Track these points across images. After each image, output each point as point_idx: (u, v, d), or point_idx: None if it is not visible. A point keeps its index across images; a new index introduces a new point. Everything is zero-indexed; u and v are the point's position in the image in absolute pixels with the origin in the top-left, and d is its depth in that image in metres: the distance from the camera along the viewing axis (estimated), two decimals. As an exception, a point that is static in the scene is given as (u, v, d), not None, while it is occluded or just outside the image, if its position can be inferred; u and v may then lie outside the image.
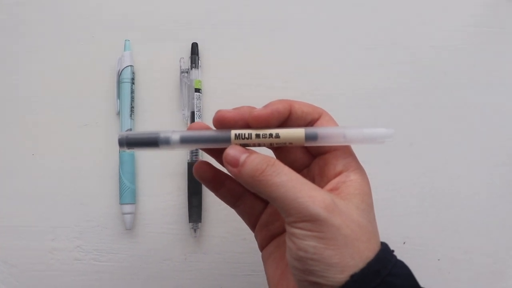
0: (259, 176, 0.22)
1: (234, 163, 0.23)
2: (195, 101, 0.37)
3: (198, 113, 0.37)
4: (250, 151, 0.23)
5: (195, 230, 0.37)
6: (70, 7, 0.39)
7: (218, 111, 0.24)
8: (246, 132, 0.24)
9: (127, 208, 0.37)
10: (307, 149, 0.26)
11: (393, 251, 0.23)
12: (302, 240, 0.21)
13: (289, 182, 0.21)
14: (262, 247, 0.28)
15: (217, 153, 0.27)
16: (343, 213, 0.21)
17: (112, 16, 0.39)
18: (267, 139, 0.24)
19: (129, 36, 0.39)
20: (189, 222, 0.37)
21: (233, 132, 0.24)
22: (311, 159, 0.26)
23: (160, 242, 0.37)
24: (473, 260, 0.38)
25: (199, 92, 0.38)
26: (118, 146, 0.25)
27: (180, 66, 0.38)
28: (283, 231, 0.27)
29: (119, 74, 0.38)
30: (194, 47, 0.39)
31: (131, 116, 0.38)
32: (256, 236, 0.29)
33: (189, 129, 0.25)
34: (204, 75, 0.39)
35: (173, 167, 0.38)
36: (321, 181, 0.25)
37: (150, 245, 0.37)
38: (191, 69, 0.38)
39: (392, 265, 0.22)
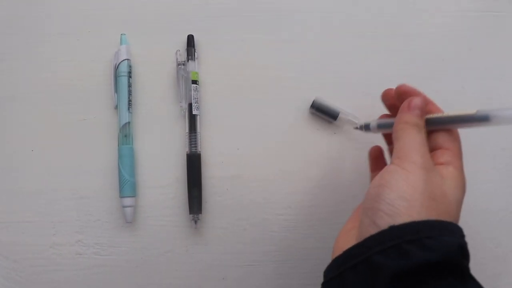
0: (408, 124, 0.27)
1: (411, 108, 0.28)
2: (192, 92, 0.37)
3: (195, 104, 0.37)
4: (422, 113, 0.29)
5: (195, 222, 0.37)
6: (66, 3, 0.40)
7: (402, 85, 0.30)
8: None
9: (127, 201, 0.37)
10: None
11: (464, 235, 0.24)
12: (389, 172, 0.25)
13: (420, 140, 0.27)
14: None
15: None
16: (436, 178, 0.25)
17: (108, 10, 0.39)
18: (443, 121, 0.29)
19: (125, 30, 0.39)
20: (190, 213, 0.37)
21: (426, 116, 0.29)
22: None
23: (161, 235, 0.37)
24: (476, 245, 0.38)
25: (196, 83, 0.38)
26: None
27: (177, 59, 0.38)
28: None
29: (116, 68, 0.38)
30: (190, 39, 0.39)
31: (129, 109, 0.38)
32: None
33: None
34: (200, 67, 0.39)
35: (172, 159, 0.38)
36: None
37: (151, 238, 0.37)
38: (188, 61, 0.38)
39: (447, 232, 0.23)
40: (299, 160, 0.38)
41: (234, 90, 0.39)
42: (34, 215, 0.37)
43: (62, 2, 0.40)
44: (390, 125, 0.30)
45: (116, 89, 0.38)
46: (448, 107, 0.39)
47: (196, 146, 0.37)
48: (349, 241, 0.26)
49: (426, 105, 0.30)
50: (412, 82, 0.39)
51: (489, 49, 0.40)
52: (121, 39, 0.39)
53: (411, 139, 0.27)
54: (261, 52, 0.39)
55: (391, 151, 0.34)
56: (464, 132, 0.40)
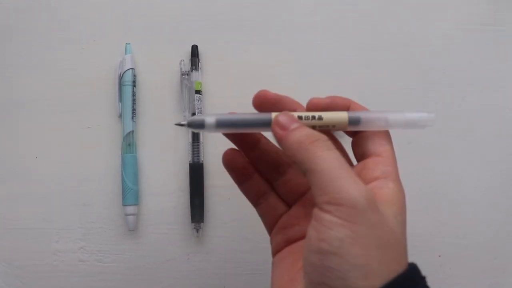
0: (308, 144, 0.21)
1: (284, 127, 0.22)
2: (195, 102, 0.38)
3: (199, 114, 0.38)
4: (301, 122, 0.23)
5: (197, 230, 0.37)
6: (71, 11, 0.40)
7: (260, 90, 0.25)
8: (288, 113, 0.23)
9: (130, 209, 0.37)
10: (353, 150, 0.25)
11: (424, 277, 0.21)
12: (329, 229, 0.19)
13: (336, 160, 0.20)
14: (276, 251, 0.26)
15: (247, 145, 0.27)
16: (381, 215, 0.20)
17: (113, 20, 0.40)
18: (309, 121, 0.23)
19: (130, 39, 0.39)
20: (192, 222, 0.37)
21: (274, 114, 0.23)
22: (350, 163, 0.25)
23: (163, 243, 0.38)
24: (474, 256, 0.39)
25: (199, 93, 0.38)
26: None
27: (181, 68, 0.39)
28: (301, 237, 0.25)
29: (121, 77, 0.38)
30: (194, 49, 0.39)
31: (133, 118, 0.38)
32: (271, 240, 0.27)
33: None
34: (204, 77, 0.39)
35: (175, 168, 0.38)
36: None
37: (153, 246, 0.38)
38: (192, 71, 0.39)
39: None
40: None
41: (237, 100, 0.39)
42: (37, 222, 0.38)
43: (67, 11, 0.40)
44: (243, 123, 0.23)
45: (121, 98, 0.38)
46: (449, 119, 0.40)
47: (198, 156, 0.38)
48: None
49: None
50: (413, 94, 0.40)
51: (489, 61, 0.41)
52: (126, 49, 0.39)
53: (329, 166, 0.20)
54: (265, 62, 0.40)
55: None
56: (462, 138, 0.41)
